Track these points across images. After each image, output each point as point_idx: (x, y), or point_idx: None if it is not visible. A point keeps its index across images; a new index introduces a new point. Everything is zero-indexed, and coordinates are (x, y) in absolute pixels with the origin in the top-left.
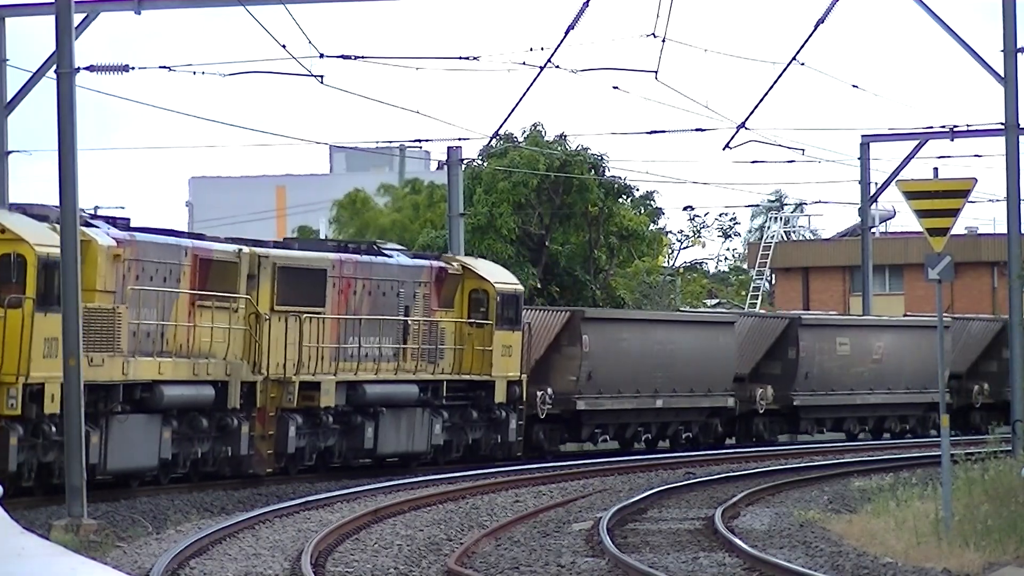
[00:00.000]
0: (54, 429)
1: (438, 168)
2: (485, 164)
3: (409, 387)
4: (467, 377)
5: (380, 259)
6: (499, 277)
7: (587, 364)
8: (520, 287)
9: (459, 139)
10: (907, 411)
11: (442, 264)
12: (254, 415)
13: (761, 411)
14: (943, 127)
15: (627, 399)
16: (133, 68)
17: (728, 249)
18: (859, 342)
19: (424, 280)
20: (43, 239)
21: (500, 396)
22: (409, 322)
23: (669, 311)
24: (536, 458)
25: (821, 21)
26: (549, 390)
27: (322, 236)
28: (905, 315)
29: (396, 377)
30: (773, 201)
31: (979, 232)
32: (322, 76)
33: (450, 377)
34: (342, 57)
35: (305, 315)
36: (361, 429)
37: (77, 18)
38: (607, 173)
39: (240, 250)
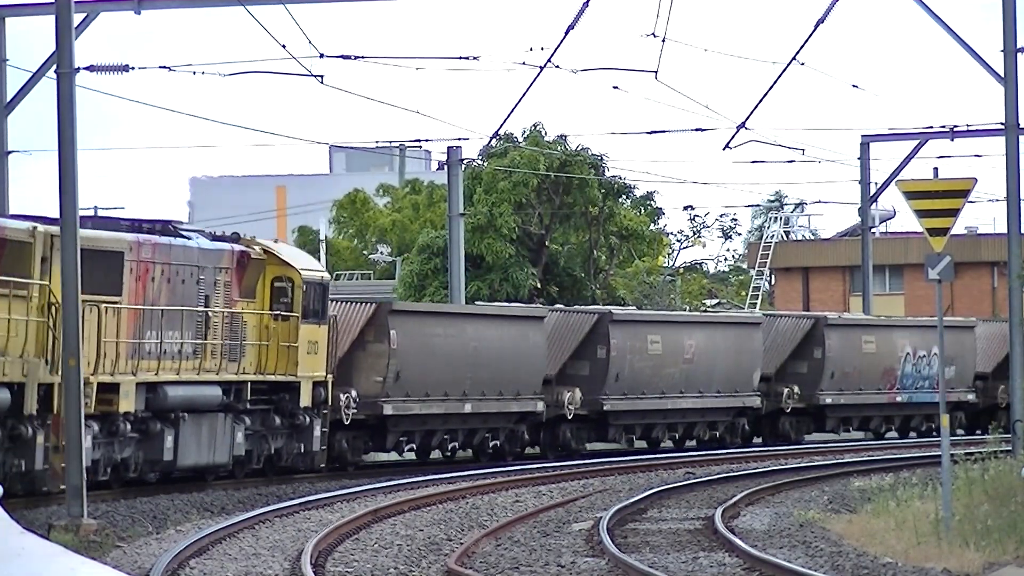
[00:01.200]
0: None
1: (438, 168)
2: (485, 164)
3: (212, 389)
4: (271, 378)
5: (179, 241)
6: (304, 263)
7: (395, 363)
8: (327, 275)
9: (459, 139)
10: (717, 416)
11: (243, 248)
12: (49, 422)
13: (570, 416)
14: (943, 127)
15: (435, 403)
16: (133, 68)
17: (728, 249)
18: (672, 340)
19: (225, 266)
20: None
21: (305, 399)
22: (210, 314)
23: (482, 304)
24: (338, 470)
25: (821, 21)
26: (354, 392)
27: (322, 236)
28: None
29: (198, 378)
30: (773, 201)
31: (979, 232)
32: (322, 76)
33: (254, 378)
34: (342, 57)
35: (102, 305)
36: (160, 438)
37: (77, 18)
38: (607, 173)
39: (34, 228)
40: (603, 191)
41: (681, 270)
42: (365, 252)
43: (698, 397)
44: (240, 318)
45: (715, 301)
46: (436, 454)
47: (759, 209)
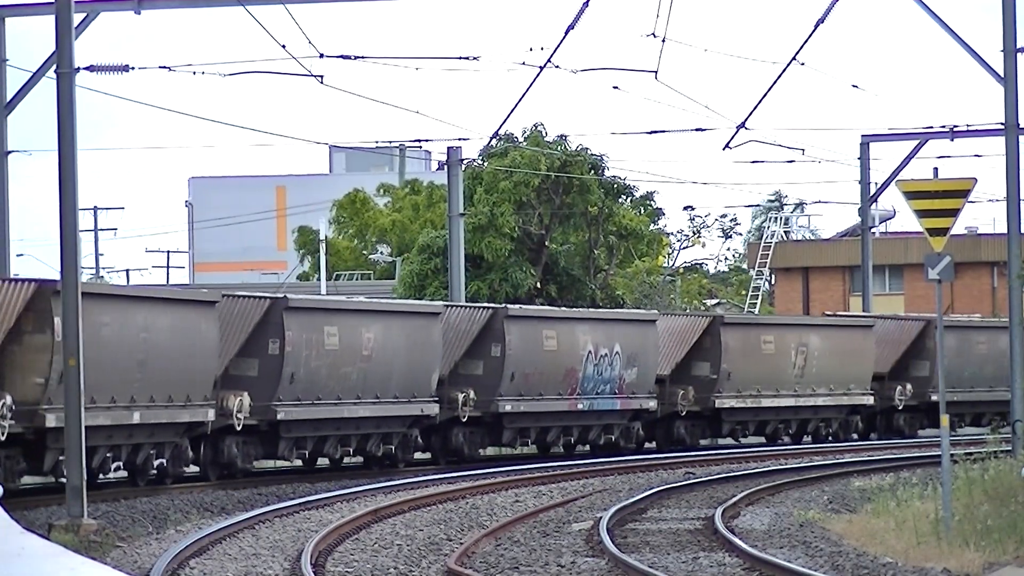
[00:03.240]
0: None
1: (438, 168)
2: (485, 164)
3: None
4: None
5: None
6: None
7: (59, 360)
8: None
9: (459, 139)
10: (391, 426)
11: None
12: None
13: (239, 427)
14: (943, 127)
15: (101, 411)
16: (133, 68)
17: (728, 249)
18: (349, 332)
19: None
20: None
21: None
22: None
23: (152, 287)
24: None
25: (821, 21)
26: (8, 399)
27: (322, 236)
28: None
29: None
30: (773, 201)
31: (979, 232)
32: (322, 76)
33: None
34: (342, 57)
35: None
36: None
37: (77, 18)
38: (607, 173)
39: None
40: (603, 191)
41: (681, 270)
42: (365, 252)
43: (375, 404)
44: None
45: (715, 301)
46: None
47: (759, 209)
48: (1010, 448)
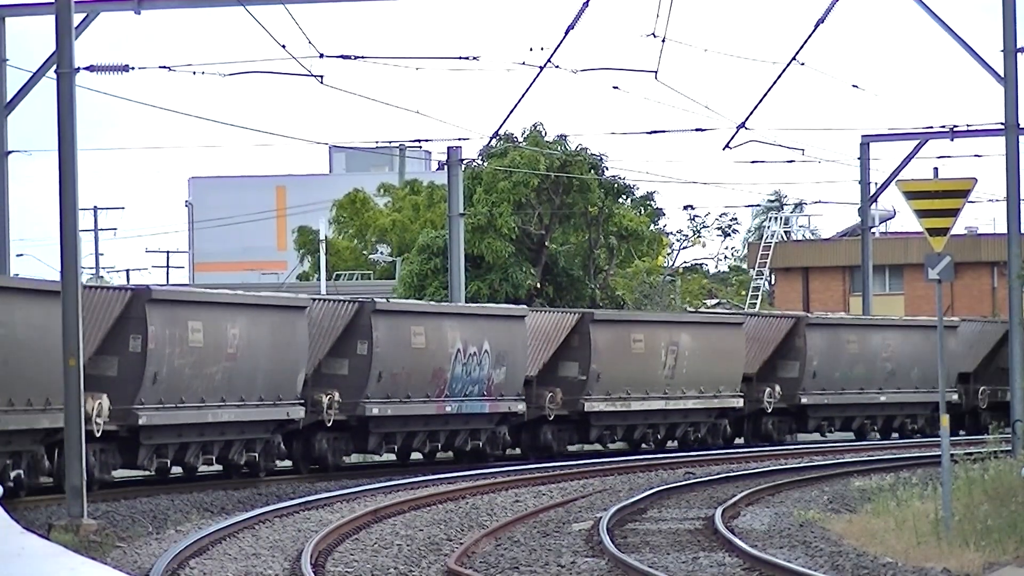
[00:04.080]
0: None
1: (438, 168)
2: (485, 164)
3: None
4: None
5: None
6: None
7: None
8: None
9: (459, 139)
10: (255, 432)
11: None
12: None
13: (98, 433)
14: (943, 127)
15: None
16: (133, 68)
17: (727, 247)
18: (213, 330)
19: None
20: None
21: None
22: None
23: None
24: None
25: (821, 21)
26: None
27: (322, 236)
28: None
29: None
30: (773, 201)
31: (979, 232)
32: (322, 76)
33: None
34: (342, 57)
35: None
36: None
37: (77, 18)
38: (607, 173)
39: None
40: (603, 191)
41: (681, 270)
42: (365, 252)
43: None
44: None
45: (715, 301)
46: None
47: (759, 209)
48: (1010, 448)
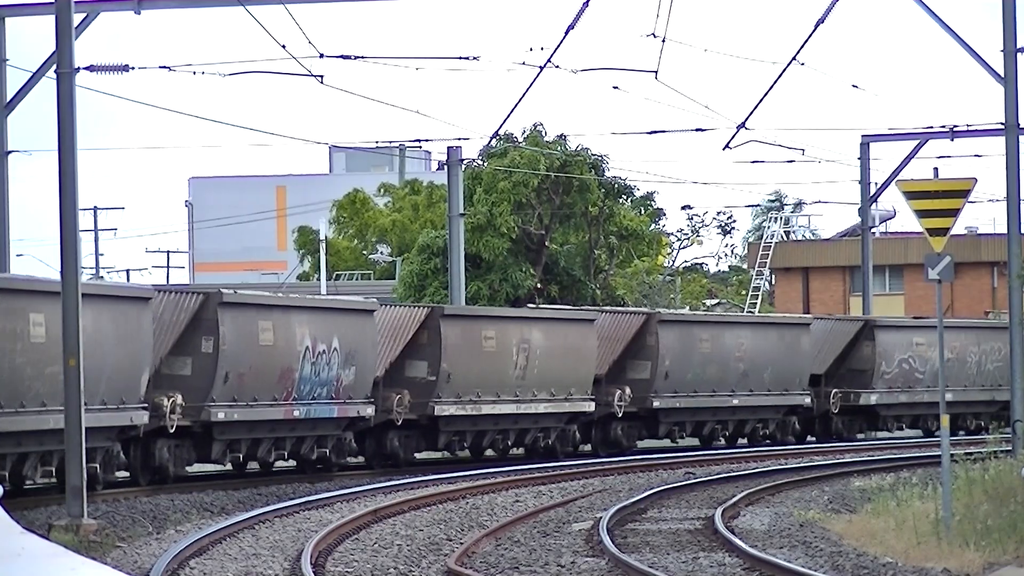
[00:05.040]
0: None
1: (438, 168)
2: (485, 164)
3: None
4: None
5: None
6: None
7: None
8: None
9: (459, 139)
10: (95, 440)
11: None
12: None
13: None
14: (943, 127)
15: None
16: (133, 68)
17: (727, 246)
18: (56, 323)
19: None
20: None
21: None
22: None
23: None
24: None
25: (821, 21)
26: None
27: (322, 236)
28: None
29: None
30: (773, 201)
31: (979, 232)
32: (322, 76)
33: None
34: (342, 57)
35: None
36: None
37: (77, 18)
38: (607, 173)
39: None
40: (603, 191)
41: (681, 270)
42: (365, 252)
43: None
44: None
45: (715, 301)
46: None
47: (759, 209)
48: (1010, 448)
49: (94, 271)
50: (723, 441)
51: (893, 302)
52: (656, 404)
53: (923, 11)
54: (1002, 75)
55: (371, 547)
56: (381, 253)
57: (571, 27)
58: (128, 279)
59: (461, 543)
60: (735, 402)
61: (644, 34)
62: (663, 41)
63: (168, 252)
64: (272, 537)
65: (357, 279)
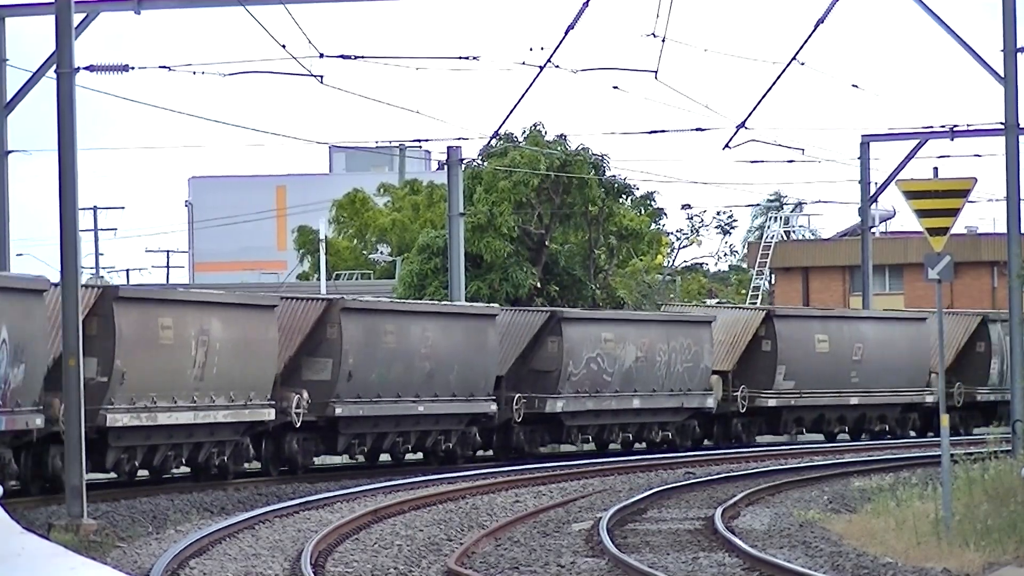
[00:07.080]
0: None
1: (438, 168)
2: (485, 164)
3: None
4: None
5: None
6: None
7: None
8: None
9: (459, 139)
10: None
11: None
12: None
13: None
14: (943, 127)
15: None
16: (133, 68)
17: (726, 244)
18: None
19: None
20: None
21: None
22: None
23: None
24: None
25: (821, 21)
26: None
27: (322, 236)
28: None
29: None
30: (773, 201)
31: (979, 232)
32: (322, 76)
33: None
34: (342, 57)
35: None
36: None
37: (77, 18)
38: (607, 173)
39: None
40: (603, 191)
41: (680, 269)
42: (365, 252)
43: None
44: None
45: (715, 301)
46: None
47: (759, 209)
48: (1010, 448)
49: (94, 271)
50: (401, 458)
51: (893, 302)
52: (338, 411)
53: (923, 11)
54: (1002, 75)
55: (371, 547)
56: (381, 253)
57: (571, 27)
58: (128, 279)
59: (461, 543)
60: (420, 409)
61: (644, 34)
62: (663, 41)
63: (168, 252)
64: (272, 537)
65: (357, 279)
